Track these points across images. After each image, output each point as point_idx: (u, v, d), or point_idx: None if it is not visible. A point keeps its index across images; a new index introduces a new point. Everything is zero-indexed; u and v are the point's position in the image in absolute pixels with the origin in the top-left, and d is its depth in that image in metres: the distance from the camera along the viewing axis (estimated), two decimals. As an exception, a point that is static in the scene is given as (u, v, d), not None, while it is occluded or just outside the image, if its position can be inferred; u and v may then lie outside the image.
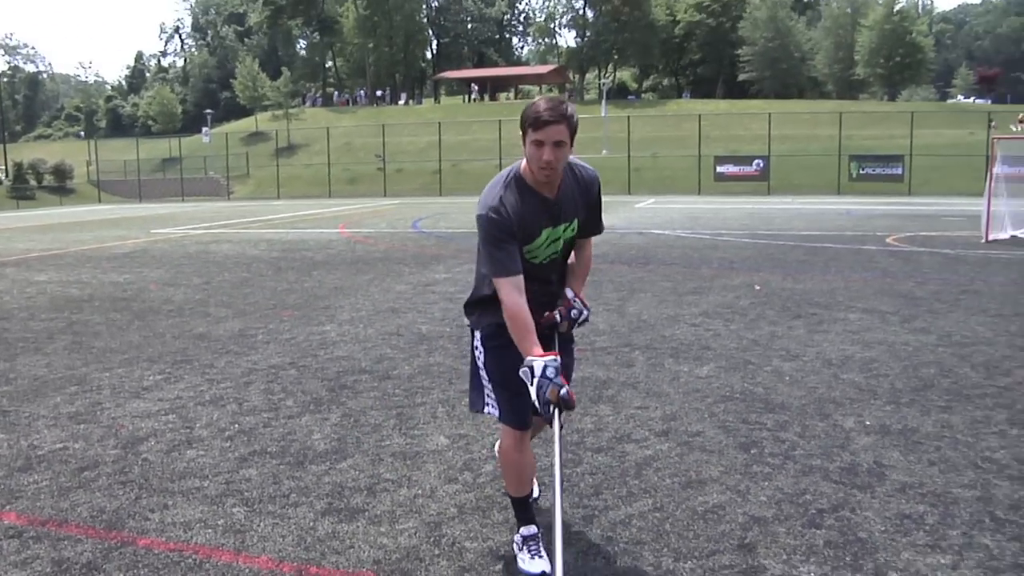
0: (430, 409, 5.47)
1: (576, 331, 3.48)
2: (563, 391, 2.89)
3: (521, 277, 3.06)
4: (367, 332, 7.99)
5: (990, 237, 15.81)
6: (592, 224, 3.35)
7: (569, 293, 3.34)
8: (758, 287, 10.28)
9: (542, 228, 3.15)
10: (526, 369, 2.96)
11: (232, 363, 6.87)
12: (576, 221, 3.26)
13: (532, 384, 2.93)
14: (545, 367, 2.92)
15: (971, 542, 3.48)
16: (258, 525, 3.76)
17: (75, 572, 3.36)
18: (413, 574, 3.28)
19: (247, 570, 3.35)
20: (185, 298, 10.39)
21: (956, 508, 3.81)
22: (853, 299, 9.33)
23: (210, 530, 3.72)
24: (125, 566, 3.40)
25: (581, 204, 3.25)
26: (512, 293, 3.02)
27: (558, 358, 3.00)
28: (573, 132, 3.01)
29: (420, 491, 4.12)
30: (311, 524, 3.75)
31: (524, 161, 3.10)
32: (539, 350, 2.98)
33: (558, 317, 3.26)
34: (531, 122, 2.96)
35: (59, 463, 4.62)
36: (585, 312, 3.33)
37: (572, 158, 3.17)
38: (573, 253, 3.42)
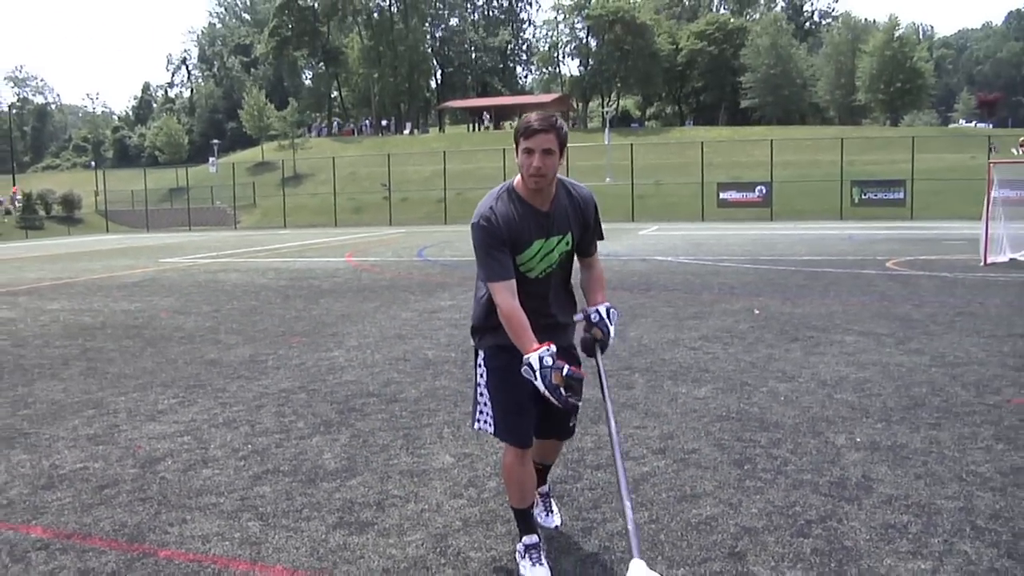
0: (436, 430, 5.67)
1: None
2: (565, 371, 3.09)
3: (514, 282, 3.25)
4: (374, 357, 8.20)
5: (988, 260, 15.99)
6: (590, 240, 3.55)
7: (598, 307, 3.51)
8: (757, 311, 10.48)
9: (533, 239, 3.34)
10: (526, 368, 3.13)
11: (244, 387, 7.08)
12: (570, 235, 3.43)
13: (537, 378, 3.10)
14: (541, 359, 3.10)
15: (951, 549, 3.65)
16: (273, 538, 3.95)
17: (101, 581, 3.55)
18: (420, 581, 3.47)
19: (263, 579, 3.54)
20: (196, 326, 10.62)
21: (939, 518, 3.99)
22: (850, 322, 9.52)
23: (227, 542, 3.92)
24: (148, 575, 3.59)
25: (575, 220, 3.43)
26: (506, 295, 3.22)
27: (551, 346, 3.17)
28: (562, 143, 3.24)
29: (427, 506, 4.31)
30: (323, 536, 3.95)
31: (518, 178, 3.33)
32: (535, 345, 3.16)
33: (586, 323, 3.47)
34: (522, 131, 3.20)
35: (80, 481, 4.82)
36: (609, 317, 3.49)
37: (568, 179, 3.40)
38: (585, 273, 3.62)
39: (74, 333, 10.25)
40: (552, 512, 3.99)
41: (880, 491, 4.35)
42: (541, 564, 3.46)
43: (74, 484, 4.78)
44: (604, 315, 3.49)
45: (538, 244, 3.35)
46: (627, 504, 2.80)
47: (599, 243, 3.62)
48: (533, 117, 3.21)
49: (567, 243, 3.44)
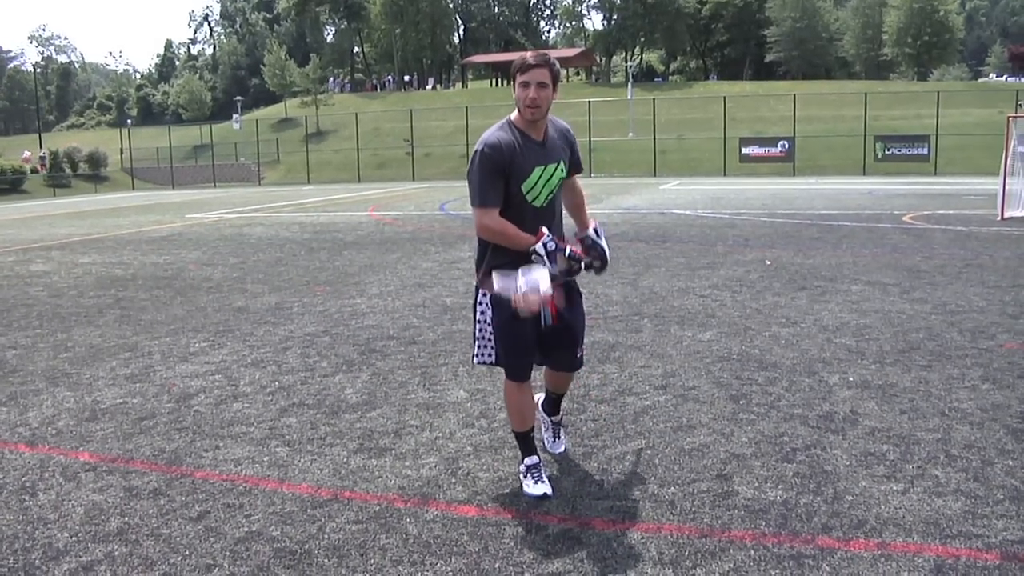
0: (451, 369, 6.02)
1: (589, 301, 4.04)
2: (567, 252, 3.54)
3: (498, 210, 3.58)
4: (395, 304, 8.55)
5: (1005, 215, 16.04)
6: (576, 162, 3.90)
7: (588, 230, 3.87)
8: (769, 262, 10.71)
9: (534, 166, 3.65)
10: (535, 256, 3.52)
11: (270, 332, 7.45)
12: (563, 162, 3.78)
13: (546, 263, 3.50)
14: (544, 245, 3.52)
15: (923, 474, 3.95)
16: (299, 461, 4.31)
17: (144, 496, 3.92)
18: (432, 497, 3.82)
19: (290, 495, 3.89)
20: (223, 276, 11.00)
21: (916, 447, 4.28)
22: (859, 272, 9.74)
23: (257, 465, 4.28)
24: (186, 492, 3.96)
25: (564, 146, 3.80)
26: (493, 216, 3.57)
27: (547, 233, 3.56)
28: (555, 78, 3.58)
29: (440, 434, 4.66)
30: (345, 460, 4.30)
31: (516, 111, 3.66)
32: (532, 239, 3.55)
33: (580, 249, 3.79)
34: (519, 67, 3.55)
35: (121, 415, 5.20)
36: (599, 236, 3.85)
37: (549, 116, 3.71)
38: (568, 194, 3.98)
39: (107, 284, 10.65)
40: (559, 439, 4.31)
41: (865, 424, 4.65)
42: (542, 482, 3.80)
43: (115, 417, 5.16)
44: (596, 237, 3.82)
45: (538, 171, 3.66)
46: None
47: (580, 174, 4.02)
48: (529, 54, 3.57)
49: (562, 170, 3.78)
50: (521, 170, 3.60)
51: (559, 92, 3.62)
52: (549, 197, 3.74)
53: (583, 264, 3.62)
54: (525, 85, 3.52)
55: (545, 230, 3.56)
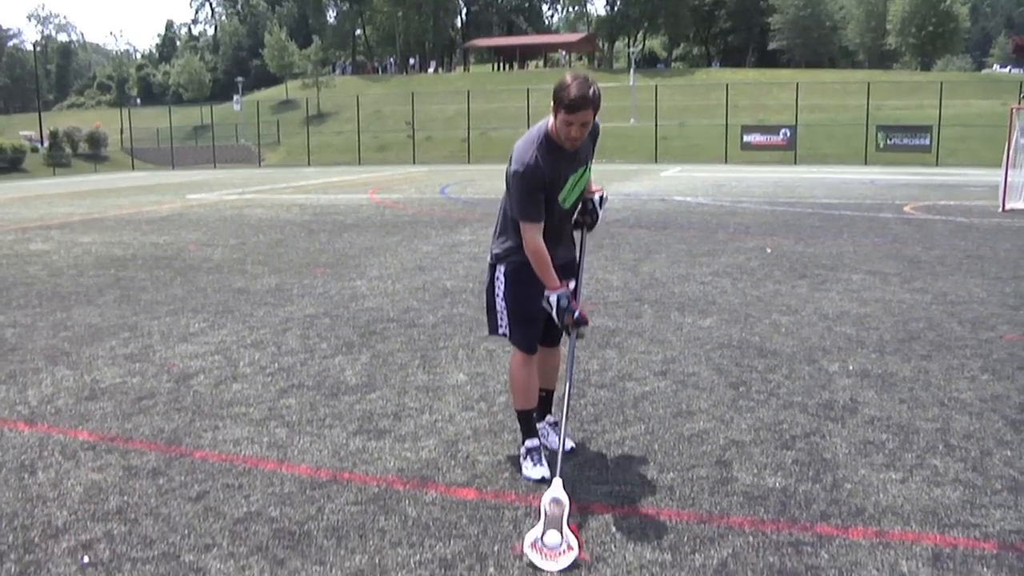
0: (451, 352, 6.02)
1: (590, 287, 4.08)
2: (576, 315, 3.60)
3: (543, 224, 3.65)
4: (395, 287, 8.55)
5: (1007, 207, 16.01)
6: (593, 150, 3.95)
7: (592, 196, 4.04)
8: (769, 250, 10.70)
9: (567, 177, 3.72)
10: (546, 302, 3.63)
11: (270, 313, 7.44)
12: (589, 162, 3.86)
13: (553, 312, 3.62)
14: (559, 299, 3.60)
15: (922, 463, 3.95)
16: (298, 442, 4.32)
17: (143, 476, 3.92)
18: (432, 479, 3.82)
19: (289, 476, 3.90)
20: (223, 257, 10.99)
21: (916, 437, 4.28)
22: (859, 262, 9.73)
23: (256, 445, 4.28)
24: (185, 471, 3.96)
25: (589, 146, 3.83)
26: (536, 235, 3.64)
27: (568, 288, 3.69)
28: (597, 110, 3.56)
29: (440, 417, 4.66)
30: (344, 441, 4.31)
31: (550, 122, 3.61)
32: (556, 282, 3.63)
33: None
34: (564, 105, 3.46)
35: (120, 394, 5.20)
36: (600, 205, 4.06)
37: None
38: None
39: (106, 264, 10.64)
40: (564, 438, 4.20)
41: (864, 412, 4.65)
42: (541, 464, 3.81)
43: (114, 396, 5.16)
44: (597, 203, 4.04)
45: (572, 180, 3.74)
46: (564, 423, 3.62)
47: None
48: (574, 92, 3.43)
49: (589, 170, 3.88)
50: (556, 184, 3.68)
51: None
52: (578, 197, 3.87)
53: (582, 321, 3.67)
54: (568, 123, 3.49)
55: (569, 287, 3.75)
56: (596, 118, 3.64)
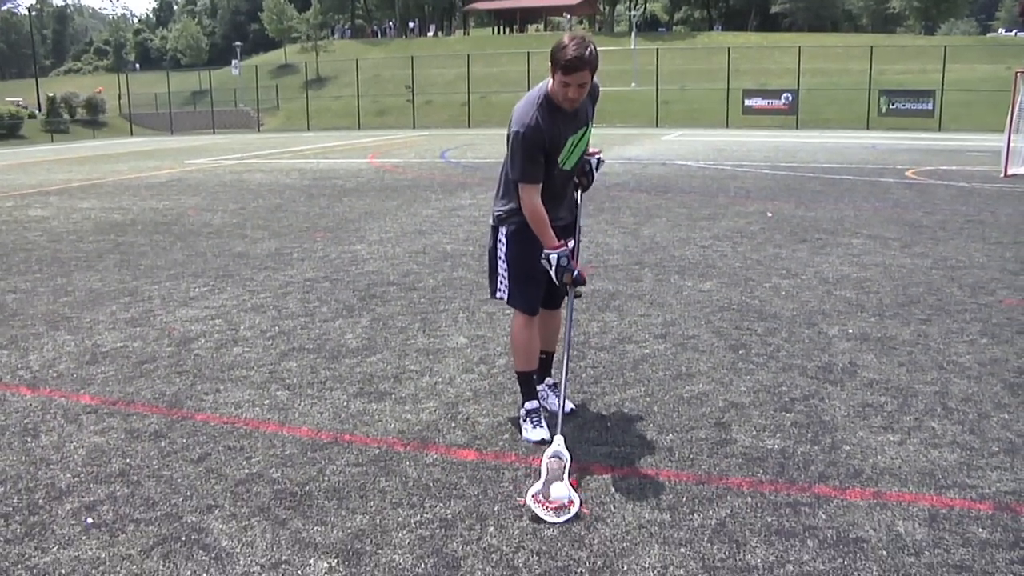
0: (452, 315, 6.03)
1: (590, 251, 4.06)
2: (575, 274, 3.63)
3: (540, 185, 3.65)
4: (395, 251, 8.55)
5: (1009, 172, 15.93)
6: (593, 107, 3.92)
7: (590, 159, 4.01)
8: (770, 214, 10.68)
9: (567, 138, 3.70)
10: (544, 260, 3.64)
11: (270, 277, 7.45)
12: (590, 122, 3.83)
13: (552, 271, 3.63)
14: (559, 258, 3.62)
15: (920, 425, 3.97)
16: (299, 404, 4.34)
17: (145, 439, 3.94)
18: (432, 441, 3.84)
19: (291, 438, 3.92)
20: (223, 222, 10.97)
21: (914, 400, 4.30)
22: (860, 226, 9.72)
23: (257, 408, 4.30)
24: (187, 434, 3.99)
25: (588, 108, 3.80)
26: (534, 196, 3.64)
27: (567, 248, 3.68)
28: (595, 71, 3.53)
29: (440, 379, 4.68)
30: (345, 403, 4.33)
31: (550, 83, 3.59)
32: (555, 242, 3.64)
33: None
34: (561, 66, 3.45)
35: (121, 358, 5.22)
36: (596, 167, 4.03)
37: None
38: None
39: (106, 229, 10.62)
40: (563, 399, 4.22)
41: (863, 375, 4.66)
42: (541, 426, 3.83)
43: (116, 360, 5.17)
44: (594, 165, 4.02)
45: (570, 140, 3.71)
46: (564, 383, 3.69)
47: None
48: (571, 52, 3.42)
49: (589, 131, 3.85)
50: (556, 145, 3.66)
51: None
52: (578, 159, 3.84)
53: (580, 280, 3.70)
54: (565, 84, 3.48)
55: (568, 246, 3.72)
56: (595, 79, 3.62)
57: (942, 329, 5.55)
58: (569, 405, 4.14)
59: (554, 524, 3.06)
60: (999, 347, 5.15)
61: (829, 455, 3.63)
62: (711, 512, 3.15)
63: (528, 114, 3.58)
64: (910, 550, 2.87)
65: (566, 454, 3.36)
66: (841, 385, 4.51)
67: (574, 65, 3.42)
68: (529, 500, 3.15)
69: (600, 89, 3.83)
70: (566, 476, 3.25)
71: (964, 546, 2.89)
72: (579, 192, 4.03)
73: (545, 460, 3.31)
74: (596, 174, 4.05)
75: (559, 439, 3.44)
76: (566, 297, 3.85)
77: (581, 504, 3.17)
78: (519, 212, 3.74)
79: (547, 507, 3.12)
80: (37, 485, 3.47)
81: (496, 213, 3.90)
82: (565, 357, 3.73)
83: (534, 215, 3.64)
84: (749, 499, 3.24)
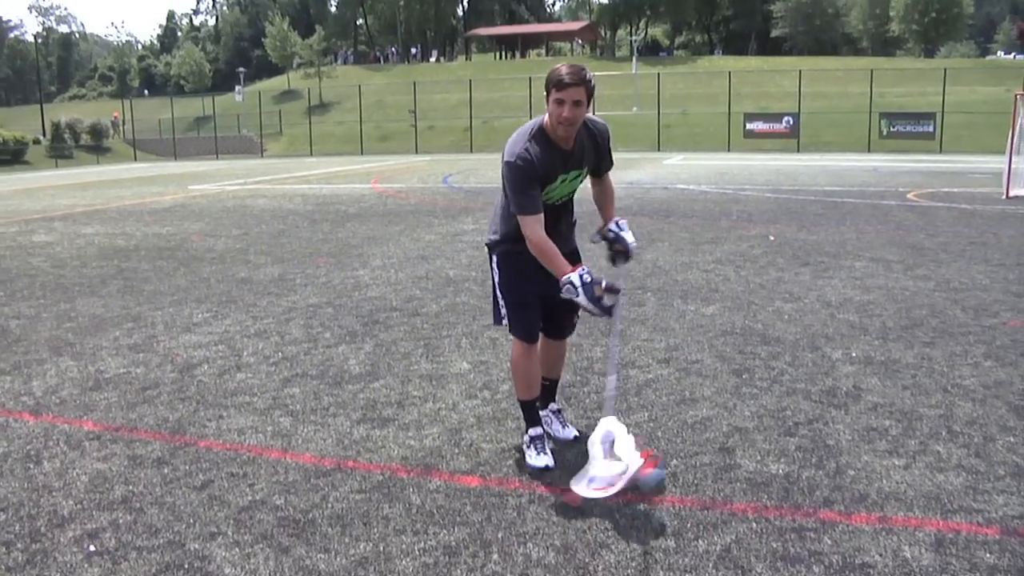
0: (455, 340, 6.02)
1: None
2: (604, 283, 3.46)
3: (542, 215, 3.59)
4: (398, 276, 8.56)
5: (1011, 194, 15.95)
6: (605, 165, 3.88)
7: (611, 224, 3.86)
8: (772, 237, 10.69)
9: (558, 175, 3.67)
10: (567, 287, 3.46)
11: (273, 303, 7.45)
12: (586, 168, 3.78)
13: (579, 296, 3.44)
14: (580, 276, 3.45)
15: (925, 449, 3.95)
16: (302, 431, 4.33)
17: (148, 465, 3.94)
18: (435, 467, 3.83)
19: (294, 464, 3.91)
20: (226, 247, 11.00)
21: (919, 423, 4.28)
22: (862, 249, 9.72)
23: (260, 435, 4.30)
24: (190, 461, 3.98)
25: (591, 154, 3.76)
26: (536, 227, 3.57)
27: (584, 266, 3.56)
28: (590, 95, 3.52)
29: (443, 405, 4.68)
30: (348, 430, 4.32)
31: (546, 117, 3.60)
32: (567, 268, 3.51)
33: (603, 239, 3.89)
34: (554, 84, 3.47)
35: (124, 384, 5.22)
36: (622, 229, 3.85)
37: (587, 115, 3.67)
38: (597, 188, 3.95)
39: (109, 255, 10.65)
40: (567, 425, 4.24)
41: (867, 399, 4.65)
42: (545, 453, 3.81)
43: (119, 386, 5.17)
44: (618, 230, 3.82)
45: (561, 178, 3.69)
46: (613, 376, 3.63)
47: (611, 170, 3.97)
48: (564, 70, 3.47)
49: (583, 175, 3.81)
50: (547, 179, 3.63)
51: (592, 105, 3.59)
52: (564, 197, 3.81)
53: (615, 288, 3.54)
54: (559, 102, 3.46)
55: (586, 266, 3.58)
56: (607, 134, 3.71)
57: (946, 352, 5.54)
58: (573, 432, 4.14)
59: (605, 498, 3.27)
60: (1003, 369, 5.14)
61: (834, 480, 3.62)
62: (716, 538, 3.13)
63: (519, 144, 3.58)
64: (917, 575, 2.85)
65: (613, 426, 3.43)
66: (845, 409, 4.50)
67: (566, 81, 3.43)
68: (578, 489, 3.31)
69: (610, 132, 3.82)
70: (610, 453, 3.36)
71: (972, 571, 2.88)
72: (618, 261, 3.86)
73: (589, 444, 3.44)
74: (627, 236, 3.82)
75: (609, 419, 3.48)
76: (602, 313, 3.52)
77: (643, 452, 3.32)
78: (507, 239, 3.74)
79: (598, 489, 3.26)
80: (39, 512, 3.46)
81: (486, 241, 3.92)
82: (614, 356, 3.73)
83: (539, 247, 3.56)
84: (754, 524, 3.23)
